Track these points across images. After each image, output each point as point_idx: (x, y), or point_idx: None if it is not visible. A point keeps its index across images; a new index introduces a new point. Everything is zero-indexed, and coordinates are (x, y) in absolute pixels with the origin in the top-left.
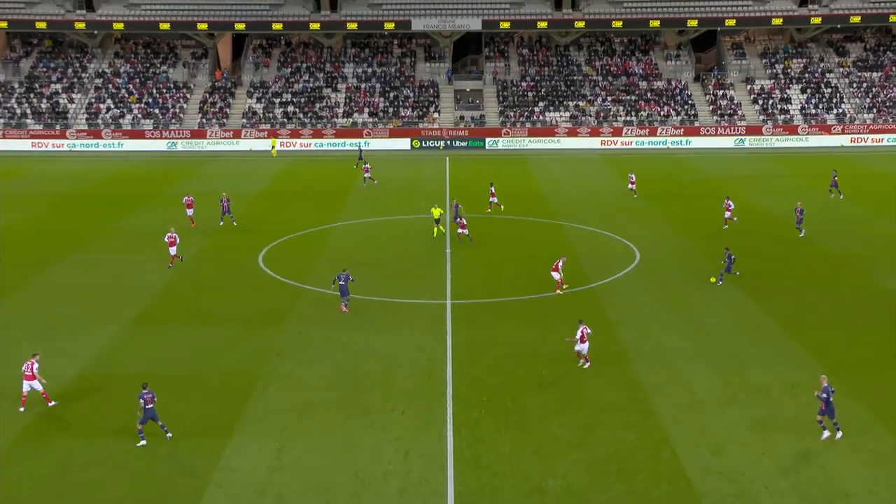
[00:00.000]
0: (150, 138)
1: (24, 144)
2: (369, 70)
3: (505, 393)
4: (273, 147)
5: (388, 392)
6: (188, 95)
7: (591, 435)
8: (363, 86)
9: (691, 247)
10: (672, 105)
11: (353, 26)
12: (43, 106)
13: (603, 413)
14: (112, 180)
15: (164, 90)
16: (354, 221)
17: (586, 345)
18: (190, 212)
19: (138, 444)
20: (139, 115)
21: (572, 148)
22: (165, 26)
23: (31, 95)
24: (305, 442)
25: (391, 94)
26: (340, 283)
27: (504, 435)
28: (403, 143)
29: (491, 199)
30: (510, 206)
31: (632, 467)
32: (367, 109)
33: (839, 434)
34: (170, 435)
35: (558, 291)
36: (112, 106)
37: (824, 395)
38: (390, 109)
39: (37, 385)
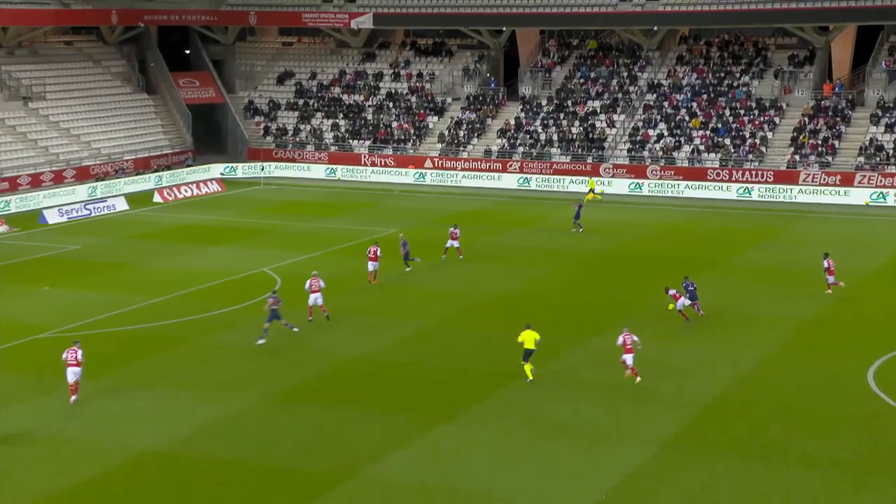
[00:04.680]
0: (712, 180)
1: (553, 182)
2: None
3: None
4: (591, 189)
5: None
6: (777, 120)
7: None
8: None
9: None
10: None
11: None
12: (574, 130)
13: None
14: (657, 237)
15: (742, 111)
16: None
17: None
18: (372, 265)
19: None
20: (700, 147)
21: None
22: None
23: (562, 116)
24: None
25: None
26: (689, 289)
27: None
28: None
29: None
30: None
31: None
32: None
33: None
34: None
35: None
36: (665, 132)
37: None
38: None
39: (77, 375)
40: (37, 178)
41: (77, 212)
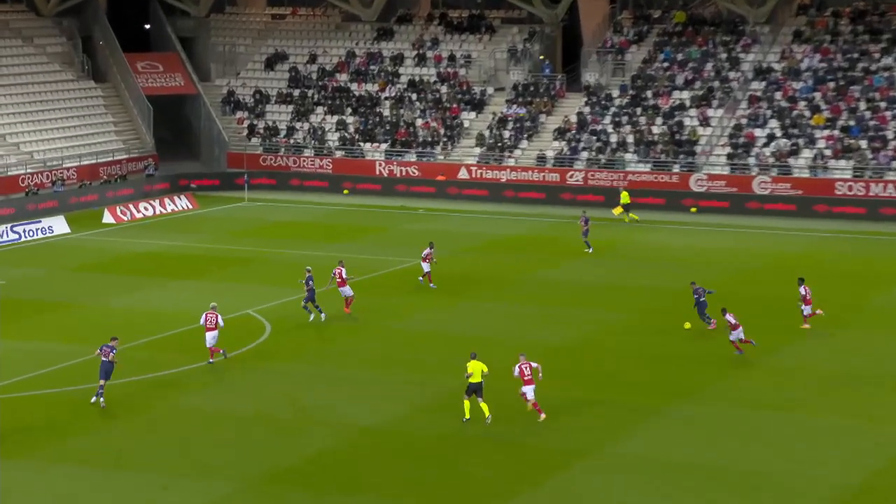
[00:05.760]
0: (842, 195)
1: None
2: None
3: None
4: (622, 203)
5: None
6: None
7: None
8: None
9: None
10: None
11: None
12: (655, 129)
13: None
14: (766, 271)
15: (883, 104)
16: None
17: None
18: (347, 291)
19: None
20: (826, 151)
21: None
22: None
23: (639, 111)
24: None
25: None
26: (699, 299)
27: None
28: None
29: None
30: None
31: None
32: None
33: None
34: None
35: None
36: (778, 132)
37: None
38: None
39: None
40: None
41: (2, 236)
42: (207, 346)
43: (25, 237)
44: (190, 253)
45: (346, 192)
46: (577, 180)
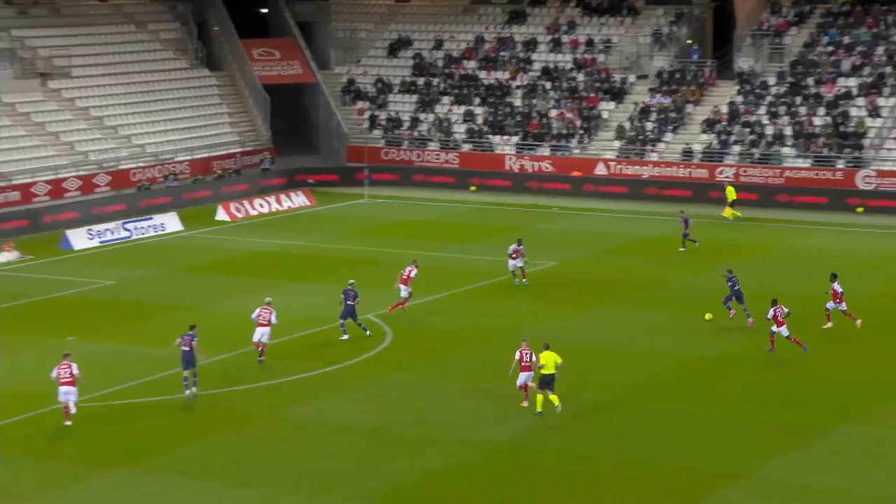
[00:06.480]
0: None
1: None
2: None
3: None
4: (731, 201)
5: None
6: None
7: None
8: None
9: None
10: None
11: None
12: (817, 121)
13: None
14: None
15: None
16: None
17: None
18: (404, 291)
19: None
20: None
21: None
22: None
23: (798, 101)
24: None
25: None
26: (734, 288)
27: None
28: None
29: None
30: None
31: None
32: None
33: None
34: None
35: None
36: None
37: None
38: None
39: (72, 395)
40: (58, 185)
41: (113, 233)
42: (253, 340)
43: (137, 235)
44: (307, 253)
45: (473, 188)
46: (727, 177)
